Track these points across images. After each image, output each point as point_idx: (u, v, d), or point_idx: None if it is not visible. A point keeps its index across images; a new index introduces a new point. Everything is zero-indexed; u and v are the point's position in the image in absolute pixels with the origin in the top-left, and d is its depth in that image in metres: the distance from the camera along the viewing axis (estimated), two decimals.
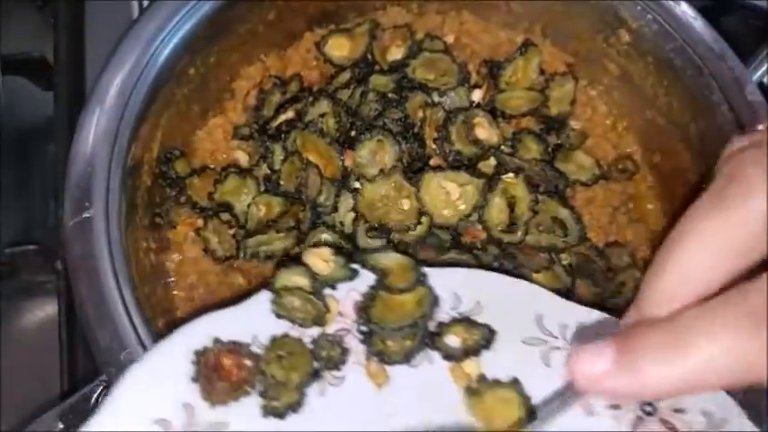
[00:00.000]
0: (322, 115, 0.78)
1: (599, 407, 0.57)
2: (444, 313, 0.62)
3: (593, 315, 0.62)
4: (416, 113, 0.79)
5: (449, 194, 0.74)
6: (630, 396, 0.43)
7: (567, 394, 0.54)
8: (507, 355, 0.60)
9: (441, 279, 0.63)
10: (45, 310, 0.86)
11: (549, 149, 0.81)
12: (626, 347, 0.40)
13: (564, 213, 0.77)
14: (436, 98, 0.80)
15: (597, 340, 0.42)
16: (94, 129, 0.69)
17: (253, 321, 0.60)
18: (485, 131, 0.77)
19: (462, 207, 0.73)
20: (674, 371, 0.38)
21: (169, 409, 0.55)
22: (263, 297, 0.62)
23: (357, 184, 0.74)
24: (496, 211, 0.74)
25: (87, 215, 0.66)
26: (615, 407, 0.57)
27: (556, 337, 0.61)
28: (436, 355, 0.61)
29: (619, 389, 0.40)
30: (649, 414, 0.57)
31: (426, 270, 0.63)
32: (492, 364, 0.60)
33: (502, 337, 0.61)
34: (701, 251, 0.40)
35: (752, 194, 0.40)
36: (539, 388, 0.59)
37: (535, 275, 0.73)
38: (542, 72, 0.87)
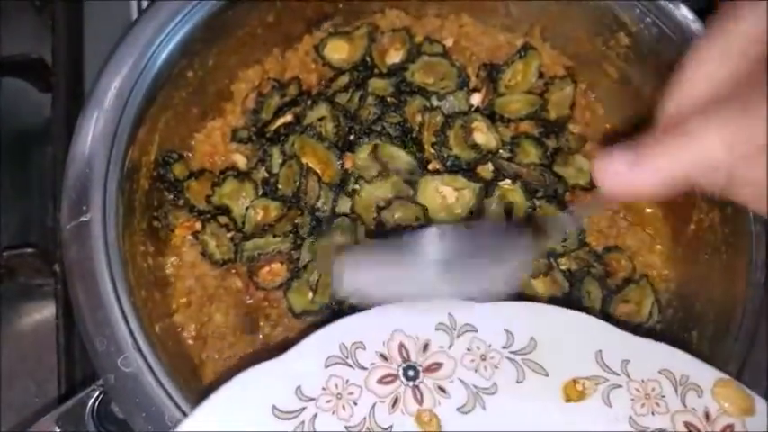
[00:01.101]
0: (320, 119, 0.77)
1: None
2: (496, 352, 0.59)
3: (656, 347, 0.60)
4: (415, 118, 0.79)
5: (445, 198, 0.73)
6: (647, 189, 0.46)
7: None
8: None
9: (492, 315, 0.60)
10: (42, 313, 0.86)
11: (548, 153, 0.81)
12: (641, 147, 0.45)
13: None
14: (435, 102, 0.80)
15: None
16: (92, 131, 0.69)
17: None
18: (483, 136, 0.77)
19: (458, 211, 0.73)
20: (678, 161, 0.43)
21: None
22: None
23: (356, 186, 0.74)
24: (493, 217, 0.74)
25: (84, 219, 0.66)
26: None
27: (617, 374, 0.58)
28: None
29: (636, 181, 0.45)
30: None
31: (475, 305, 0.60)
32: (549, 407, 0.57)
33: (557, 376, 0.58)
34: (700, 78, 0.45)
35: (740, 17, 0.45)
36: (601, 429, 0.56)
37: (534, 281, 0.73)
38: (541, 75, 0.87)
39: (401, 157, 0.76)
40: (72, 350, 0.78)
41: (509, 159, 0.78)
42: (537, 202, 0.76)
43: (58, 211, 0.67)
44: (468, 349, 0.58)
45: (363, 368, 0.57)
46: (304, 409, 0.55)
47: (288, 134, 0.78)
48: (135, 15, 0.98)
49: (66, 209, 0.66)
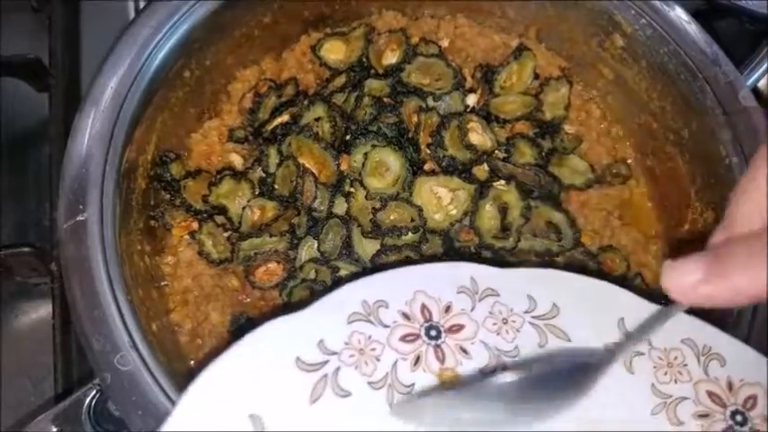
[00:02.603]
0: (317, 119, 0.78)
1: (686, 416, 0.56)
2: (518, 316, 0.59)
3: (679, 316, 0.58)
4: (411, 118, 0.79)
5: (440, 199, 0.74)
6: (723, 301, 0.46)
7: (662, 313, 0.55)
8: None
9: (515, 281, 0.60)
10: (39, 312, 0.86)
11: (544, 154, 0.81)
12: (717, 258, 0.46)
13: (558, 217, 0.77)
14: (431, 102, 0.80)
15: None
16: (89, 131, 0.70)
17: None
18: (478, 136, 0.77)
19: (454, 212, 0.74)
20: (762, 276, 0.42)
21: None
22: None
23: (351, 189, 0.75)
24: (488, 217, 0.74)
25: (81, 218, 0.66)
26: (703, 416, 0.56)
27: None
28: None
29: (714, 294, 0.45)
30: (740, 425, 0.56)
31: (497, 270, 0.60)
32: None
33: (580, 342, 0.58)
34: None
35: None
36: (622, 396, 0.56)
37: None
38: (537, 76, 0.88)
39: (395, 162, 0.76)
40: (69, 348, 0.79)
41: (504, 160, 0.78)
42: (532, 203, 0.76)
43: (54, 210, 0.67)
44: (490, 313, 0.59)
45: (386, 326, 0.57)
46: (327, 362, 0.55)
47: (284, 134, 0.78)
48: (132, 15, 0.98)
49: (62, 208, 0.67)
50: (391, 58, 0.85)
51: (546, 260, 0.76)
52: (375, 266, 0.74)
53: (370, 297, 0.58)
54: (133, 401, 0.61)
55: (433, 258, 0.74)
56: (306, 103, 0.80)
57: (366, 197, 0.75)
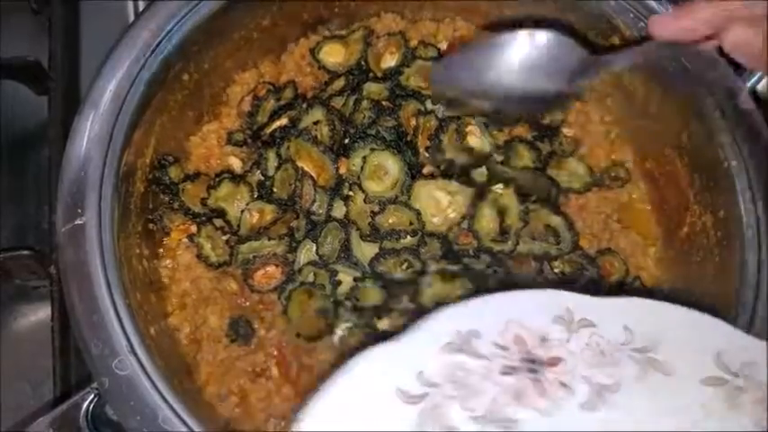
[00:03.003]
0: (316, 123, 0.78)
1: None
2: (616, 349, 0.57)
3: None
4: (410, 122, 0.79)
5: (439, 202, 0.74)
6: (692, 29, 0.64)
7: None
8: (686, 398, 0.56)
9: (610, 311, 0.58)
10: (38, 315, 0.87)
11: (542, 157, 0.81)
12: (687, 4, 0.64)
13: (556, 221, 0.77)
14: (430, 105, 0.80)
15: None
16: (88, 134, 0.70)
17: None
18: (477, 140, 0.77)
19: (452, 215, 0.74)
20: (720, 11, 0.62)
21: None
22: None
23: (350, 193, 0.75)
24: (486, 221, 0.74)
25: (80, 222, 0.66)
26: None
27: (737, 376, 0.56)
28: None
29: (685, 25, 0.64)
30: None
31: (592, 299, 0.59)
32: (671, 407, 0.56)
33: (679, 377, 0.56)
34: None
35: None
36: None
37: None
38: None
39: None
40: (67, 351, 0.78)
41: (502, 163, 0.78)
42: (530, 206, 0.76)
43: (54, 213, 0.67)
44: (587, 344, 0.57)
45: (482, 357, 0.56)
46: (427, 395, 0.54)
47: (283, 137, 0.78)
48: (132, 17, 0.98)
49: (61, 212, 0.67)
50: (390, 61, 0.85)
51: (542, 265, 0.76)
52: (375, 272, 0.74)
53: (462, 326, 0.57)
54: (131, 406, 0.61)
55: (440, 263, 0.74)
56: (304, 106, 0.80)
57: (365, 200, 0.75)
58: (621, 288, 0.79)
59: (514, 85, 0.72)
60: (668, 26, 0.65)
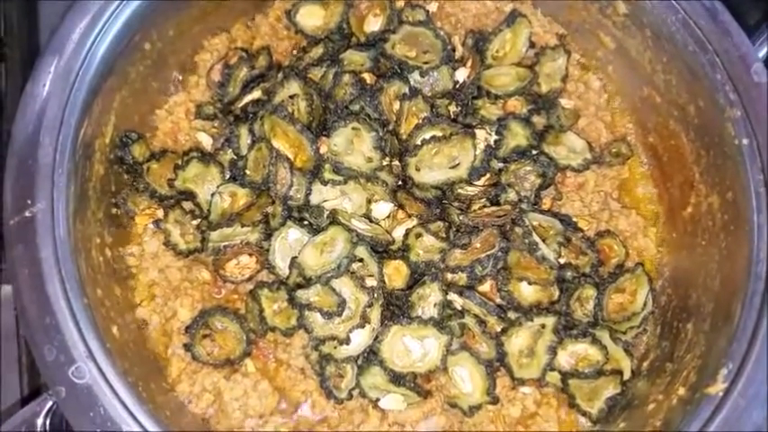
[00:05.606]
0: (292, 97, 0.71)
1: None
2: None
3: None
4: (392, 106, 0.72)
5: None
6: None
7: None
8: None
9: None
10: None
11: (538, 133, 0.75)
12: None
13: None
14: (417, 78, 0.73)
15: None
16: (37, 113, 0.63)
17: None
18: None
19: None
20: None
21: None
22: None
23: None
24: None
25: (29, 214, 0.60)
26: None
27: None
28: None
29: None
30: None
31: None
32: None
33: None
34: None
35: None
36: None
37: (523, 287, 0.69)
38: (532, 45, 0.81)
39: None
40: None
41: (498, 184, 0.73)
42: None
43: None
44: None
45: None
46: None
47: (256, 113, 0.71)
48: None
49: (8, 202, 0.60)
50: (374, 24, 0.78)
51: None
52: None
53: None
54: (90, 418, 0.56)
55: None
56: (280, 77, 0.73)
57: None
58: (623, 275, 0.74)
59: None
60: None
